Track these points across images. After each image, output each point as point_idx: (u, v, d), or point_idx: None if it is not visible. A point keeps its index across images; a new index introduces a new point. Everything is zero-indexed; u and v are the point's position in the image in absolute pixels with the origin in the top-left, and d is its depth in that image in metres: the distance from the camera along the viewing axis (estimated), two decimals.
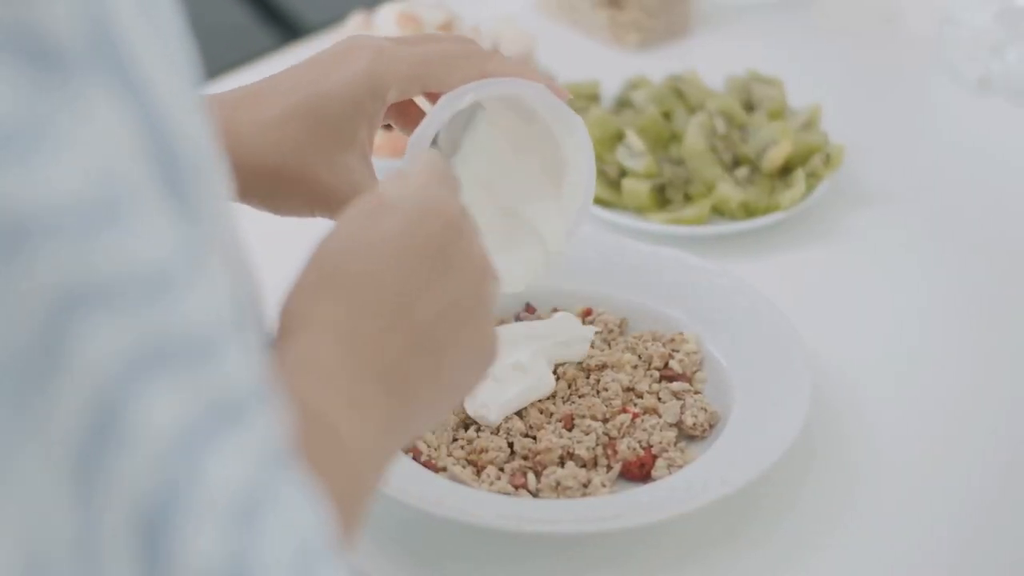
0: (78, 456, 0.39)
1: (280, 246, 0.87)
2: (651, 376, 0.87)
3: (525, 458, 0.81)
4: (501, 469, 0.81)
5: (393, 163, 1.10)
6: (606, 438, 0.83)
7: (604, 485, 0.80)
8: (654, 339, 0.90)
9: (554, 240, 0.83)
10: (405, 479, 0.76)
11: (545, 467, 0.81)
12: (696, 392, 0.87)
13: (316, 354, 0.57)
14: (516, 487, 0.80)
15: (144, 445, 0.40)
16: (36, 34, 0.39)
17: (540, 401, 0.85)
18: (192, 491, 0.41)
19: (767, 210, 1.05)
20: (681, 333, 0.90)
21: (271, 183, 0.77)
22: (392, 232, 0.61)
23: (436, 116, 0.76)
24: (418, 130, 0.77)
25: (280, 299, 0.59)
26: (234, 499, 0.42)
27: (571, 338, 0.87)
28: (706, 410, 0.85)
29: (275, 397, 0.45)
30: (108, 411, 0.40)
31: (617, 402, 0.85)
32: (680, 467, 0.81)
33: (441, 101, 0.76)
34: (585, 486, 0.80)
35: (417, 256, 0.60)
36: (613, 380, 0.86)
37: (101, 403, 0.40)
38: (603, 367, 0.87)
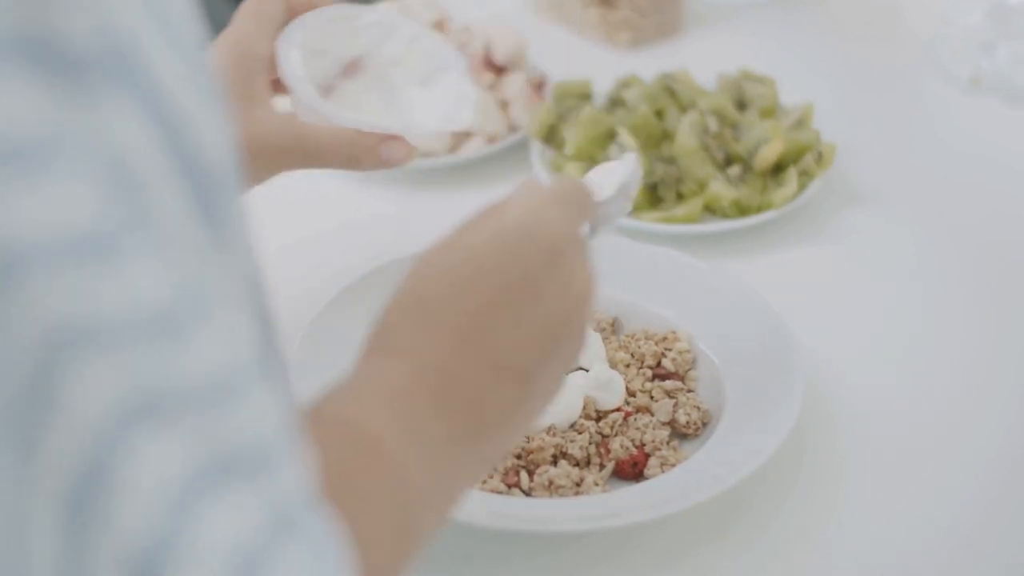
0: (69, 500, 0.38)
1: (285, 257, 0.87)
2: (643, 375, 0.88)
3: (518, 457, 0.82)
4: (494, 467, 0.81)
5: None
6: (599, 437, 0.83)
7: (597, 484, 0.80)
8: (646, 338, 0.90)
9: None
10: None
11: (538, 466, 0.81)
12: (689, 391, 0.87)
13: (387, 378, 0.56)
14: (509, 486, 0.80)
15: (136, 495, 0.38)
16: (55, 44, 0.37)
17: None
18: (185, 545, 0.39)
19: (759, 208, 1.05)
20: (673, 332, 0.90)
21: None
22: (484, 261, 0.60)
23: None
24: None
25: (373, 318, 0.59)
26: (232, 556, 0.39)
27: (607, 383, 0.85)
28: (699, 408, 0.85)
29: (298, 446, 0.43)
30: (100, 457, 0.38)
31: None
32: (673, 466, 0.81)
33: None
34: (578, 485, 0.80)
35: (506, 286, 0.59)
36: None
37: (93, 448, 0.38)
38: None
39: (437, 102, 0.86)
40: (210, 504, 0.39)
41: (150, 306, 0.38)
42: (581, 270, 0.62)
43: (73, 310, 0.37)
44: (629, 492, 0.79)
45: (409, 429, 0.55)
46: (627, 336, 0.90)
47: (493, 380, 0.58)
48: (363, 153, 0.84)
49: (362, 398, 0.56)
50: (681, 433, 0.85)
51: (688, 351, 0.89)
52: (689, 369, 0.89)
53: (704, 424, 0.85)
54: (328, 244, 0.91)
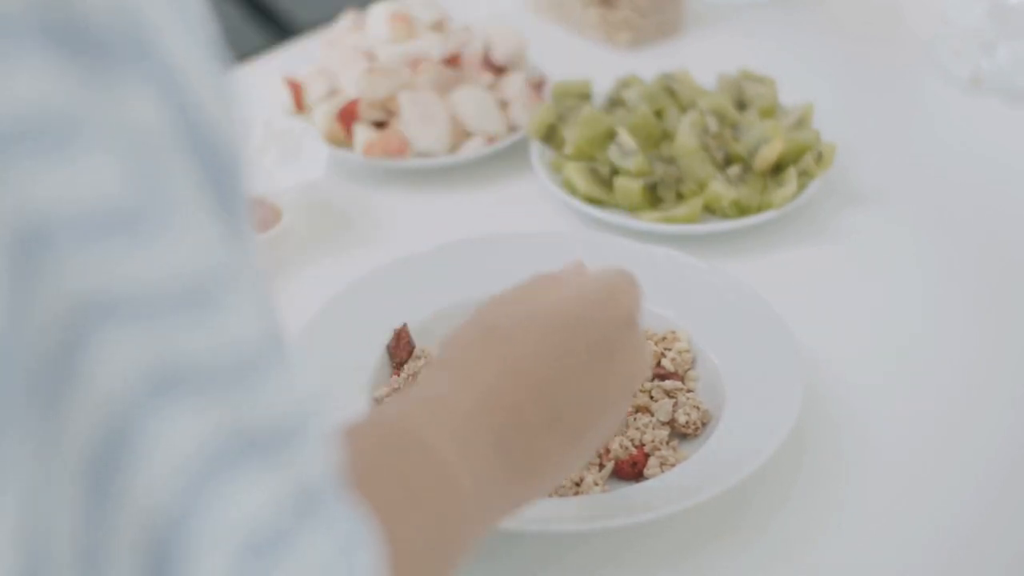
0: (91, 468, 0.38)
1: None
2: None
3: None
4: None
5: (385, 162, 1.10)
6: None
7: (596, 484, 0.80)
8: (646, 337, 0.90)
9: None
10: None
11: None
12: (688, 390, 0.87)
13: (447, 394, 0.58)
14: None
15: (156, 467, 0.38)
16: (77, 24, 0.37)
17: None
18: (204, 519, 0.39)
19: (759, 208, 1.05)
20: (673, 331, 0.90)
21: None
22: (567, 317, 0.62)
23: None
24: None
25: (444, 335, 0.60)
26: (251, 532, 0.39)
27: None
28: (698, 408, 0.85)
29: (325, 433, 0.43)
30: (122, 428, 0.38)
31: None
32: (672, 465, 0.81)
33: None
34: (578, 485, 0.80)
35: (586, 343, 0.62)
36: None
37: (116, 418, 0.38)
38: None
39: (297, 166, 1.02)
40: (231, 480, 0.39)
41: (175, 279, 0.38)
42: (644, 345, 0.66)
43: (99, 283, 0.37)
44: (629, 492, 0.79)
45: (467, 455, 0.56)
46: None
47: (550, 430, 0.60)
48: None
49: (425, 413, 0.57)
50: (681, 433, 0.84)
51: (688, 351, 0.89)
52: (689, 369, 0.89)
53: (704, 424, 0.85)
54: (326, 245, 0.91)
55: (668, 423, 0.84)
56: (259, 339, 0.41)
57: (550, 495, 0.79)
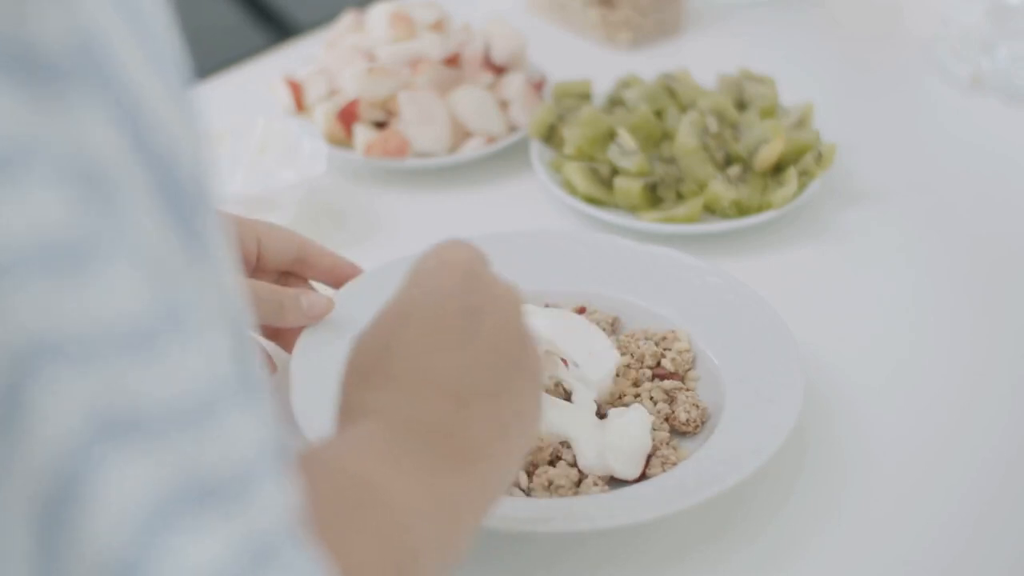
0: (42, 515, 0.37)
1: None
2: (643, 375, 0.87)
3: None
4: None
5: (385, 162, 1.10)
6: None
7: (597, 484, 0.80)
8: (646, 337, 0.90)
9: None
10: None
11: (537, 466, 0.81)
12: (688, 390, 0.87)
13: (359, 436, 0.57)
14: None
15: (105, 515, 0.37)
16: (29, 50, 0.36)
17: None
18: (156, 570, 0.37)
19: (759, 208, 1.05)
20: (673, 331, 0.90)
21: None
22: (403, 306, 0.61)
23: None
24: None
25: (335, 395, 0.59)
26: None
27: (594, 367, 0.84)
28: (698, 406, 0.85)
29: (282, 473, 0.42)
30: (71, 473, 0.37)
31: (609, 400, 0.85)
32: (673, 464, 0.81)
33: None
34: (577, 485, 0.80)
35: (442, 321, 0.60)
36: None
37: (64, 464, 0.36)
38: None
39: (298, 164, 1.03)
40: (182, 529, 0.38)
41: (124, 320, 0.37)
42: (498, 282, 0.62)
43: (44, 323, 0.36)
44: (629, 492, 0.79)
45: (397, 470, 0.55)
46: (627, 336, 0.90)
47: (454, 405, 0.58)
48: (287, 301, 0.85)
49: (345, 450, 0.56)
50: (681, 431, 0.84)
51: (688, 351, 0.89)
52: (689, 369, 0.89)
53: (703, 421, 0.85)
54: (327, 245, 0.91)
55: (668, 421, 0.84)
56: (216, 381, 0.39)
57: (550, 496, 0.79)
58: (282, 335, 0.88)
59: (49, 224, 0.36)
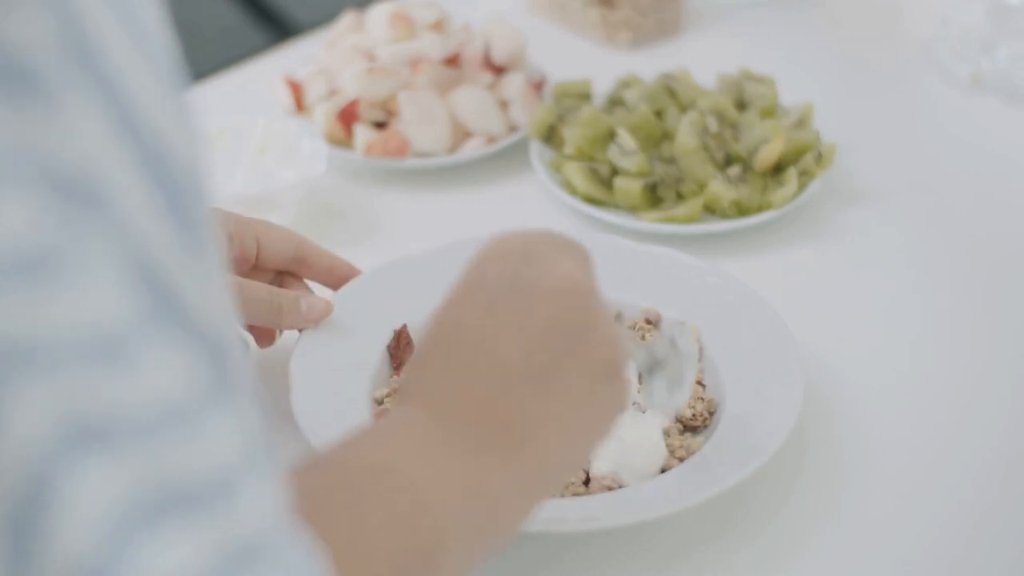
0: (11, 524, 0.37)
1: None
2: None
3: None
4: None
5: (385, 162, 1.10)
6: None
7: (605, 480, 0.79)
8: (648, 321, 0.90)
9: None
10: None
11: None
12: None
13: (397, 420, 0.56)
14: None
15: (74, 521, 0.37)
16: (9, 53, 0.36)
17: None
18: (122, 574, 0.37)
19: (759, 208, 1.05)
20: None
21: None
22: (467, 288, 0.59)
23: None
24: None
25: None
26: None
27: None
28: (703, 399, 0.85)
29: (269, 472, 0.41)
30: (40, 480, 0.36)
31: None
32: (681, 460, 0.80)
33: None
34: (586, 484, 0.80)
35: (489, 296, 0.58)
36: None
37: (33, 471, 0.36)
38: None
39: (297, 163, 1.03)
40: (152, 535, 0.37)
41: (96, 327, 0.37)
42: (567, 265, 0.59)
43: (14, 330, 0.36)
44: (629, 492, 0.79)
45: (417, 455, 0.54)
46: (627, 324, 0.90)
47: (504, 386, 0.57)
48: (285, 303, 0.84)
49: (366, 440, 0.55)
50: (690, 426, 0.84)
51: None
52: None
53: (711, 413, 0.84)
54: (326, 245, 0.91)
55: (678, 420, 0.84)
56: (193, 386, 0.39)
57: (560, 495, 0.79)
58: (256, 329, 0.88)
59: (18, 233, 0.35)
